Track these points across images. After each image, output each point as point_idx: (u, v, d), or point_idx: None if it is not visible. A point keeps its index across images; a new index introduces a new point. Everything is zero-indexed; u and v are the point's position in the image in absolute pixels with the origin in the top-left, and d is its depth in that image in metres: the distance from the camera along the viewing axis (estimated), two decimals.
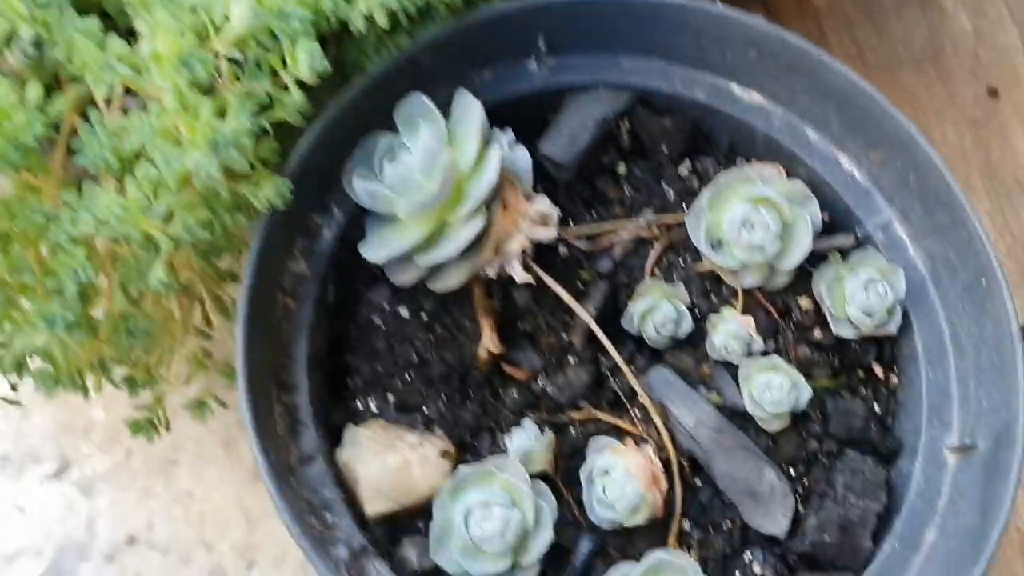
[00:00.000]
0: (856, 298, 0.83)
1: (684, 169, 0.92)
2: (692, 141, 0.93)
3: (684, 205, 0.91)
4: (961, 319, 0.83)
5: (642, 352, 0.86)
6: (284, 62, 0.73)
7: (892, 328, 0.84)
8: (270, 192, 0.73)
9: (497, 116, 0.88)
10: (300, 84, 0.74)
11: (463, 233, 0.76)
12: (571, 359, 0.85)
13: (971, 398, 0.81)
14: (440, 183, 0.74)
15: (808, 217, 0.84)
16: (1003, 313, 0.79)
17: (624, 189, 0.91)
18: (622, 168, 0.92)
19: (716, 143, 0.94)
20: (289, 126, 0.77)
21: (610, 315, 0.87)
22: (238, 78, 0.74)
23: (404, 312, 0.84)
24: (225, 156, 0.67)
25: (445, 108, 0.84)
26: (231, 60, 0.73)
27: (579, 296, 0.86)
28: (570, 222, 0.90)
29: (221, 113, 0.72)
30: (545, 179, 0.90)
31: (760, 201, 0.83)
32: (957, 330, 0.83)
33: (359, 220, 0.85)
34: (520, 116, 0.92)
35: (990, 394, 0.80)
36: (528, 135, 0.92)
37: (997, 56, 1.34)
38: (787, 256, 0.84)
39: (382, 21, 0.74)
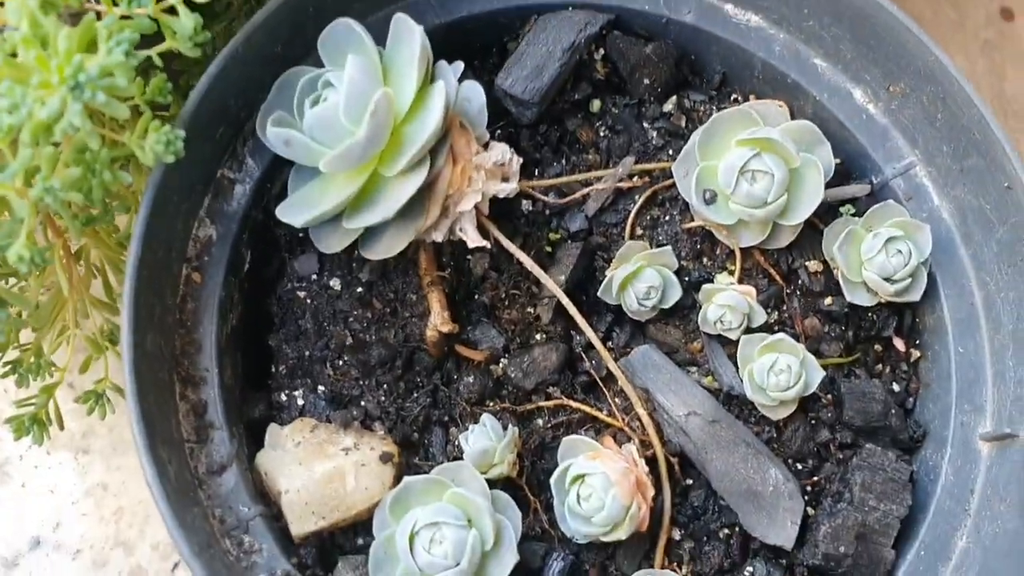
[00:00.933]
0: (874, 260, 0.70)
1: (669, 105, 0.78)
2: (678, 72, 0.78)
3: (670, 149, 0.77)
4: (997, 283, 0.70)
5: (622, 325, 0.73)
6: None
7: (915, 294, 0.71)
8: (158, 143, 0.58)
9: (446, 44, 0.73)
10: (192, 6, 0.59)
11: (402, 190, 0.61)
12: (538, 336, 0.72)
13: (1009, 377, 0.68)
14: (370, 128, 0.60)
15: (819, 164, 0.70)
16: None
17: (599, 130, 0.77)
18: (596, 105, 0.77)
19: (706, 75, 0.80)
20: (187, 60, 0.62)
21: (584, 282, 0.73)
22: (115, 3, 0.58)
23: (336, 284, 0.70)
24: (92, 99, 0.52)
25: (381, 36, 0.69)
26: None
27: (546, 261, 0.72)
28: (535, 172, 0.75)
29: (90, 45, 0.57)
30: (504, 119, 0.75)
31: (762, 144, 0.69)
32: (992, 296, 0.70)
33: (280, 172, 0.71)
34: (473, 43, 0.77)
35: None
36: (483, 66, 0.78)
37: None
38: (794, 210, 0.70)
39: None
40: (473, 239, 0.64)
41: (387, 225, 0.63)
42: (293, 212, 0.63)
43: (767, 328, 0.71)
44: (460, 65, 0.67)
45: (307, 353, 0.69)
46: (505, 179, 0.67)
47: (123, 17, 0.59)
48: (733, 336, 0.70)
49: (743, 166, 0.69)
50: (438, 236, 0.65)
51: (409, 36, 0.64)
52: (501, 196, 0.66)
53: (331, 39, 0.66)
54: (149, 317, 0.63)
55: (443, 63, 0.65)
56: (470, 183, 0.64)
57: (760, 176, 0.69)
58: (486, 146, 0.68)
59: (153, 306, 0.64)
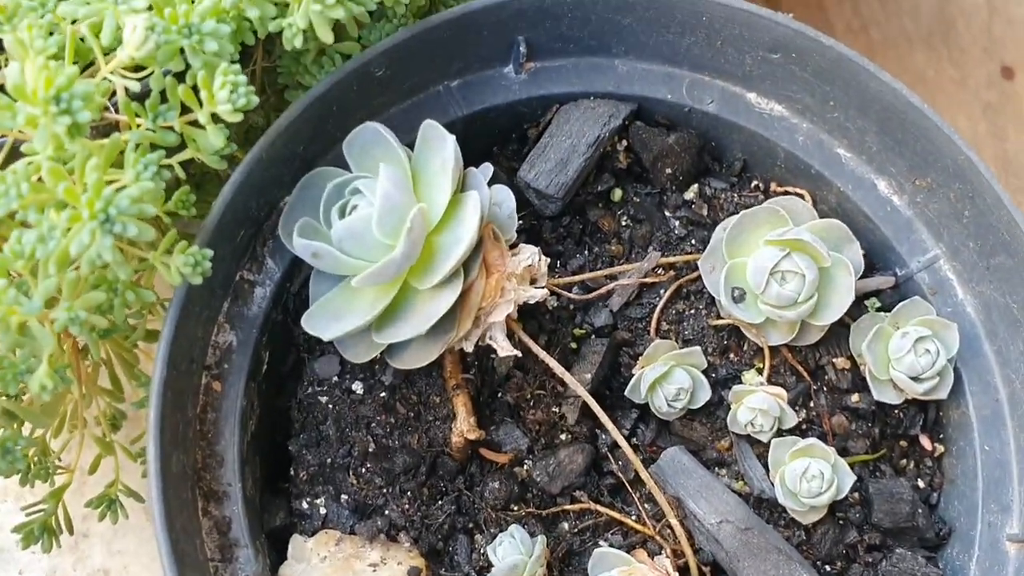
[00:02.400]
0: (903, 360, 0.69)
1: (691, 194, 0.77)
2: (699, 160, 0.77)
3: (693, 238, 0.76)
4: (1023, 381, 0.70)
5: (647, 421, 0.72)
6: (197, 92, 0.55)
7: (943, 393, 0.71)
8: (186, 265, 0.56)
9: (467, 134, 0.72)
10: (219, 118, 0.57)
11: (435, 306, 0.60)
12: (563, 436, 0.70)
13: None
14: (406, 245, 0.58)
15: (849, 264, 0.70)
16: None
17: (620, 220, 0.76)
18: (618, 194, 0.76)
19: (727, 161, 0.79)
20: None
21: (608, 378, 0.72)
22: (138, 115, 0.56)
23: (358, 388, 0.68)
24: (122, 231, 0.50)
25: (402, 131, 0.67)
26: (128, 92, 0.55)
27: (571, 358, 0.71)
28: (558, 263, 0.74)
29: (117, 162, 0.55)
30: (527, 210, 0.74)
31: (792, 245, 0.68)
32: (1018, 394, 0.70)
33: (299, 270, 0.69)
34: (495, 133, 0.76)
35: None
36: (503, 153, 0.77)
37: (1011, 30, 1.20)
38: (824, 310, 0.69)
39: (326, 36, 0.57)
40: (504, 348, 0.63)
41: (417, 338, 0.61)
42: (319, 325, 0.62)
43: (797, 428, 0.71)
44: (489, 169, 0.66)
45: (329, 460, 0.68)
46: (534, 280, 0.66)
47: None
48: (764, 439, 0.69)
49: (773, 267, 0.68)
50: (468, 346, 0.63)
51: (440, 144, 0.63)
52: (531, 302, 0.64)
53: (358, 143, 0.64)
54: (173, 436, 0.61)
55: (473, 171, 0.64)
56: (503, 294, 0.62)
57: (791, 276, 0.68)
58: (513, 246, 0.67)
59: (176, 423, 0.62)
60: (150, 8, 0.54)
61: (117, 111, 0.57)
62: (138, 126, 0.56)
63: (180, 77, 0.56)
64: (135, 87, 0.54)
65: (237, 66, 0.54)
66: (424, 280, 0.60)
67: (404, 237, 0.58)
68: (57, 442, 0.73)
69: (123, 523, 0.90)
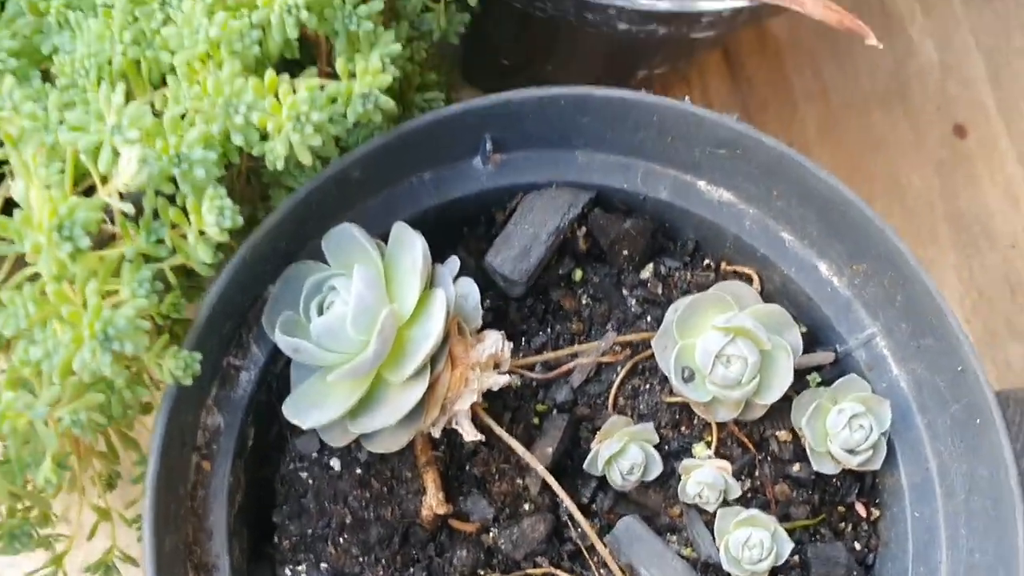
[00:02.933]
0: (839, 435, 0.75)
1: (646, 273, 0.83)
2: (654, 242, 0.83)
3: (648, 316, 0.81)
4: (951, 454, 0.76)
5: (606, 491, 0.78)
6: (187, 213, 0.61)
7: (876, 464, 0.77)
8: (176, 369, 0.62)
9: (439, 221, 0.78)
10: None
11: (404, 399, 0.66)
12: (526, 507, 0.76)
13: (962, 545, 0.74)
14: (378, 344, 0.64)
15: (788, 347, 0.76)
16: (999, 458, 0.72)
17: (581, 299, 0.82)
18: (578, 275, 0.82)
19: (680, 243, 0.85)
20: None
21: (569, 451, 0.78)
22: (132, 231, 0.62)
23: (336, 465, 0.74)
24: (120, 349, 0.56)
25: (377, 220, 0.73)
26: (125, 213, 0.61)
27: (534, 433, 0.77)
28: (523, 341, 0.80)
29: (114, 271, 0.61)
30: (493, 291, 0.80)
31: (736, 331, 0.74)
32: (946, 465, 0.76)
33: (282, 355, 0.74)
34: (465, 218, 0.82)
35: (983, 546, 0.73)
36: (472, 235, 0.82)
37: (964, 90, 1.27)
38: (766, 391, 0.75)
39: (306, 159, 0.63)
40: (469, 433, 0.69)
41: (389, 427, 0.67)
42: (298, 414, 0.67)
43: (742, 496, 0.77)
44: (455, 264, 0.71)
45: (309, 531, 0.73)
46: (497, 365, 0.71)
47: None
48: (710, 509, 0.75)
49: (719, 351, 0.74)
50: (436, 432, 0.69)
51: (411, 245, 0.68)
52: (495, 389, 0.70)
53: (335, 241, 0.70)
54: (166, 515, 0.66)
55: (441, 269, 0.70)
56: (467, 384, 0.68)
57: (735, 360, 0.74)
58: (480, 332, 0.72)
59: (169, 503, 0.67)
60: (143, 137, 0.60)
61: (113, 221, 0.63)
62: (132, 241, 0.62)
63: (171, 198, 0.62)
64: (130, 210, 0.59)
65: (223, 190, 0.60)
66: (395, 373, 0.66)
67: (376, 336, 0.64)
68: (57, 504, 0.79)
69: None
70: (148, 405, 0.73)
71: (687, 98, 0.77)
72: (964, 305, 1.18)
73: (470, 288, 0.71)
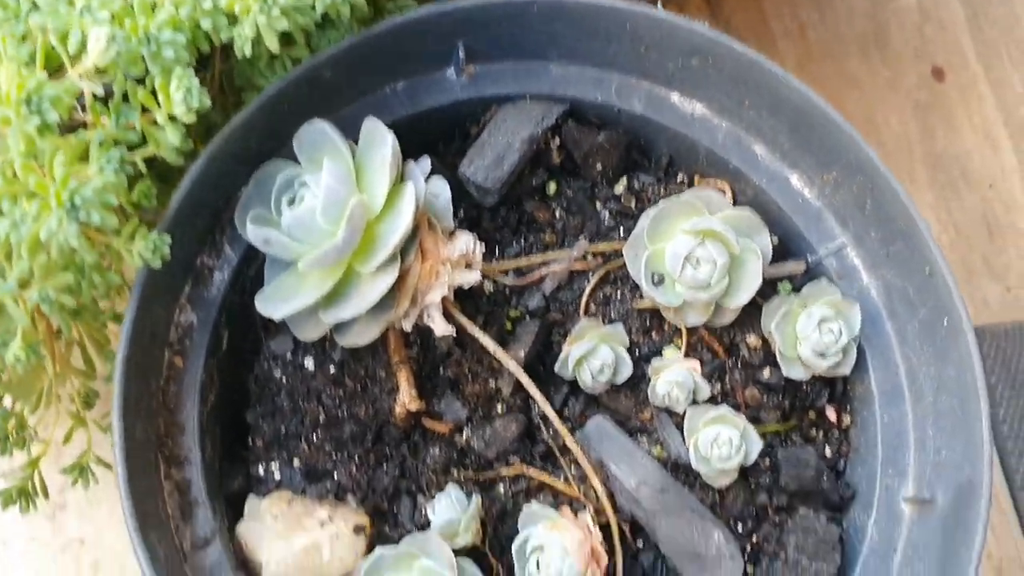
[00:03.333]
0: (809, 338, 0.76)
1: (620, 187, 0.83)
2: (628, 156, 0.84)
3: (621, 228, 0.82)
4: (919, 358, 0.77)
5: (577, 396, 0.79)
6: (156, 95, 0.62)
7: (846, 369, 0.78)
8: (146, 250, 0.62)
9: (413, 131, 0.78)
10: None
11: (374, 288, 0.66)
12: (499, 408, 0.77)
13: (929, 446, 0.75)
14: (347, 232, 0.65)
15: (758, 251, 0.76)
16: (966, 358, 0.73)
17: (555, 211, 0.82)
18: (552, 188, 0.83)
19: (654, 158, 0.85)
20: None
21: (542, 355, 0.78)
22: (102, 115, 0.62)
23: (309, 364, 0.75)
24: (87, 218, 0.56)
25: (352, 128, 0.74)
26: (94, 95, 0.62)
27: (507, 338, 0.78)
28: (496, 250, 0.81)
29: (83, 155, 0.61)
30: (467, 201, 0.81)
31: (706, 234, 0.75)
32: (914, 369, 0.77)
33: (256, 256, 0.75)
34: (439, 130, 0.82)
35: (950, 444, 0.73)
36: (447, 149, 0.83)
37: (942, 33, 1.27)
38: (735, 294, 0.76)
39: (272, 45, 0.63)
40: (440, 328, 0.69)
41: (360, 318, 0.68)
42: (271, 305, 0.68)
43: (712, 399, 0.77)
44: (427, 163, 0.72)
45: (283, 429, 0.74)
46: (469, 266, 0.72)
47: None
48: (680, 409, 0.76)
49: (688, 253, 0.75)
50: (407, 325, 0.70)
51: (381, 141, 0.69)
52: (467, 286, 0.71)
53: (306, 139, 0.70)
54: (137, 405, 0.67)
55: (412, 164, 0.70)
56: (438, 277, 0.69)
57: (704, 262, 0.75)
58: (452, 233, 0.73)
59: (140, 394, 0.68)
60: (113, 19, 0.60)
61: (85, 110, 0.64)
62: (103, 125, 0.62)
63: (141, 81, 0.62)
64: (100, 91, 0.60)
65: (191, 71, 0.61)
66: (366, 264, 0.67)
67: (345, 225, 0.64)
68: (34, 420, 0.80)
69: (97, 495, 0.97)
70: (121, 316, 0.74)
71: (659, 3, 0.78)
72: (941, 244, 1.18)
73: (441, 187, 0.72)
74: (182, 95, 0.59)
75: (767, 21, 1.23)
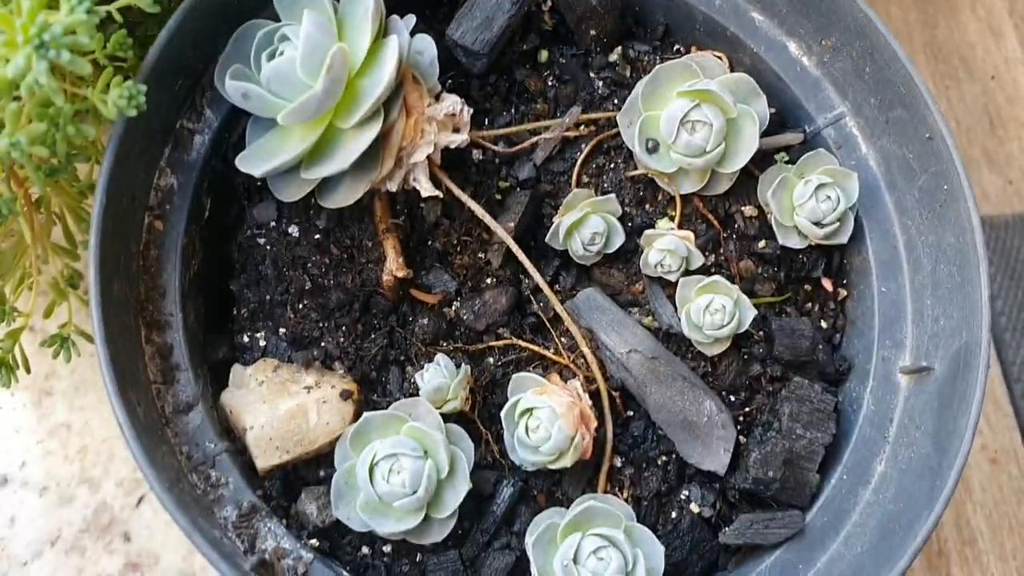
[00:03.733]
0: (805, 206, 0.74)
1: (615, 56, 0.81)
2: (623, 24, 0.81)
3: (615, 98, 0.80)
4: (918, 227, 0.75)
5: (568, 269, 0.77)
6: None
7: (843, 237, 0.76)
8: (120, 98, 0.60)
9: None
10: None
11: (357, 143, 0.64)
12: (488, 280, 0.75)
13: (927, 315, 0.74)
14: (326, 82, 0.62)
15: (755, 115, 0.74)
16: (966, 222, 0.71)
17: (547, 80, 0.80)
18: (544, 55, 0.80)
19: (650, 26, 0.83)
20: (145, 12, 0.64)
21: (532, 228, 0.77)
22: None
23: (294, 231, 0.73)
24: (56, 57, 0.54)
25: None
26: None
27: (496, 209, 0.76)
28: (486, 120, 0.78)
29: (52, 2, 0.58)
30: (456, 70, 0.78)
31: (701, 96, 0.73)
32: (913, 239, 0.75)
33: (237, 122, 0.73)
34: None
35: (948, 312, 0.72)
36: (435, 16, 0.80)
37: None
38: (731, 159, 0.74)
39: None
40: (426, 189, 0.67)
41: (343, 176, 0.66)
42: (252, 162, 0.66)
43: (704, 270, 0.76)
44: (412, 19, 0.69)
45: (268, 297, 0.72)
46: (456, 130, 0.70)
47: None
48: (672, 278, 0.74)
49: (683, 117, 0.72)
50: (392, 186, 0.68)
51: None
52: (452, 147, 0.69)
53: None
54: (115, 265, 0.65)
55: (395, 18, 0.68)
56: (423, 135, 0.66)
57: (699, 126, 0.72)
58: (438, 97, 0.71)
59: (118, 254, 0.66)
60: None
61: None
62: None
63: None
64: None
65: None
66: (347, 119, 0.64)
67: (324, 75, 0.62)
68: (17, 301, 0.78)
69: (84, 381, 0.96)
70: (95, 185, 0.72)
71: None
72: None
73: (426, 44, 0.69)
74: None
75: None
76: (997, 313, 1.10)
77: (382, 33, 0.67)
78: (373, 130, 0.64)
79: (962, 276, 0.71)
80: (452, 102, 0.70)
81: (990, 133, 1.18)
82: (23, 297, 0.78)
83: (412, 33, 0.69)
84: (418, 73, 0.68)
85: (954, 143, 0.71)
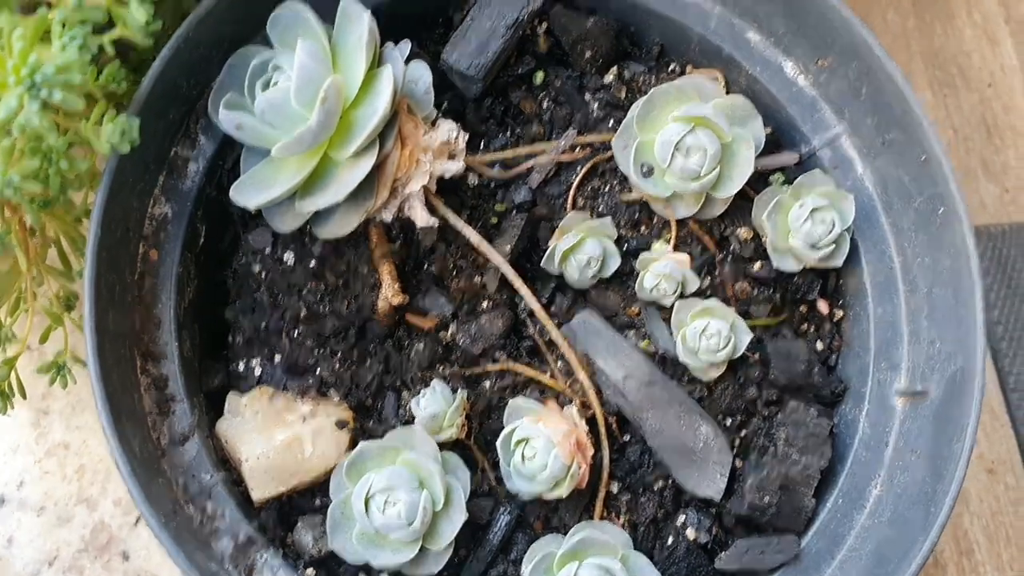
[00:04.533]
0: (800, 229, 0.74)
1: (610, 77, 0.81)
2: (618, 45, 0.81)
3: (611, 120, 0.80)
4: (914, 249, 0.75)
5: (564, 290, 0.77)
6: None
7: (839, 260, 0.76)
8: (114, 135, 0.60)
9: (393, 17, 0.75)
10: None
11: (351, 175, 0.64)
12: (484, 304, 0.75)
13: (923, 338, 0.74)
14: (321, 115, 0.62)
15: (750, 138, 0.74)
16: (961, 246, 0.71)
17: (542, 102, 0.80)
18: (539, 77, 0.80)
19: (645, 46, 0.82)
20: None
21: (528, 251, 0.76)
22: None
23: (289, 258, 0.72)
24: (49, 97, 0.54)
25: (330, 12, 0.71)
26: None
27: (492, 232, 0.76)
28: (481, 143, 0.78)
29: (45, 36, 0.58)
30: (451, 93, 0.78)
31: (696, 121, 0.73)
32: (909, 261, 0.75)
33: (232, 148, 0.73)
34: (420, 14, 0.79)
35: (943, 335, 0.72)
36: (430, 37, 0.80)
37: None
38: (726, 184, 0.74)
39: None
40: (422, 219, 0.67)
41: (338, 206, 0.66)
42: (246, 194, 0.66)
43: (700, 293, 0.76)
44: (407, 46, 0.69)
45: (263, 324, 0.72)
46: (452, 157, 0.70)
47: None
48: (668, 302, 0.74)
49: (678, 141, 0.72)
50: (387, 216, 0.67)
51: (357, 20, 0.66)
52: (448, 176, 0.68)
53: (280, 21, 0.67)
54: (110, 296, 0.65)
55: (390, 46, 0.67)
56: (418, 165, 0.66)
57: (694, 151, 0.72)
58: (434, 123, 0.70)
59: (113, 285, 0.66)
60: None
61: None
62: (65, 4, 0.59)
63: None
64: None
65: None
66: (342, 151, 0.64)
67: (319, 107, 0.62)
68: (13, 324, 0.78)
69: (81, 401, 0.96)
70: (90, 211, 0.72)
71: None
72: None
73: (421, 71, 0.69)
74: None
75: None
76: (993, 322, 1.10)
77: (376, 62, 0.67)
78: (368, 162, 0.64)
79: (957, 300, 0.71)
80: (448, 129, 0.69)
81: (987, 142, 1.18)
82: (20, 318, 0.78)
83: (408, 59, 0.69)
84: (413, 102, 0.68)
85: (951, 168, 0.71)
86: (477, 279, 0.75)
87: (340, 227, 0.67)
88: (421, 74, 0.69)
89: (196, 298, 0.72)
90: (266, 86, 0.66)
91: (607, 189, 0.78)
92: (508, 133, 0.79)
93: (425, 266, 0.75)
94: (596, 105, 0.80)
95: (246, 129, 0.64)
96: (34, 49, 0.55)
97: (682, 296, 0.75)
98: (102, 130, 0.60)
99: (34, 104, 0.54)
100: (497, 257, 0.72)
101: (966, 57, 1.20)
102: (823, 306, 0.78)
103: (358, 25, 0.66)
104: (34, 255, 0.75)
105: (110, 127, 0.60)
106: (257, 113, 0.65)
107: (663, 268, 0.73)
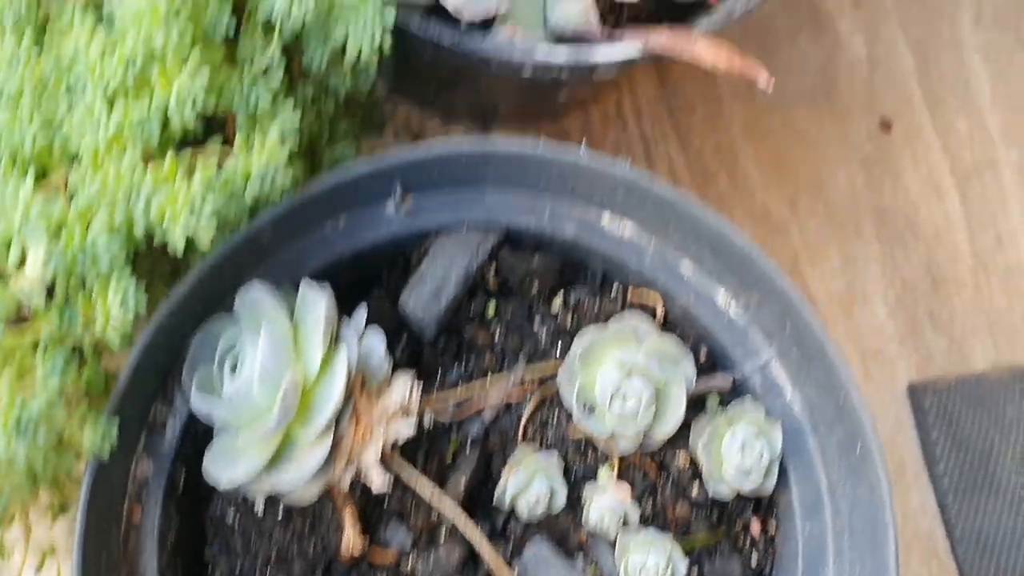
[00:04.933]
0: (733, 460, 0.81)
1: (557, 304, 0.87)
2: (562, 276, 0.88)
3: (559, 345, 0.86)
4: (838, 473, 0.81)
5: (518, 519, 0.83)
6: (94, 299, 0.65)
7: (768, 488, 0.82)
8: (94, 443, 0.67)
9: (357, 264, 0.83)
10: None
11: (311, 457, 0.71)
12: (443, 534, 0.82)
13: (845, 559, 0.80)
14: (280, 410, 0.69)
15: (682, 380, 0.81)
16: (876, 482, 0.77)
17: (494, 333, 0.86)
18: (491, 310, 0.86)
19: (589, 273, 0.89)
20: None
21: (484, 481, 0.83)
22: (47, 312, 0.66)
23: (259, 507, 0.79)
24: (33, 439, 0.61)
25: (295, 267, 0.78)
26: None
27: (448, 468, 0.82)
28: (438, 377, 0.85)
29: (31, 351, 0.65)
30: (409, 332, 0.85)
31: (632, 369, 0.79)
32: (834, 484, 0.81)
33: None
34: (381, 261, 0.86)
35: (863, 561, 0.79)
36: (391, 279, 0.87)
37: (892, 83, 1.30)
38: (660, 425, 0.81)
39: (204, 245, 0.67)
40: (377, 484, 0.74)
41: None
42: (216, 472, 0.72)
43: (644, 519, 0.82)
44: (362, 317, 0.76)
45: (238, 565, 0.79)
46: (405, 416, 0.76)
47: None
48: (612, 535, 0.81)
49: (615, 388, 0.79)
50: (344, 483, 0.74)
51: (315, 304, 0.73)
52: (400, 441, 0.75)
53: (247, 302, 0.74)
54: (96, 566, 0.72)
55: (346, 325, 0.74)
56: (372, 438, 0.73)
57: (630, 396, 0.79)
58: (389, 381, 0.77)
59: (99, 551, 0.73)
60: (51, 229, 0.64)
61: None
62: (48, 322, 0.66)
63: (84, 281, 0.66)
64: (41, 301, 0.64)
65: (127, 275, 0.64)
66: (302, 432, 0.71)
67: (279, 403, 0.68)
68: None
69: None
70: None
71: (583, 145, 0.81)
72: (888, 298, 1.23)
73: (376, 342, 0.76)
74: (119, 308, 0.63)
75: (714, 79, 1.25)
76: (940, 476, 1.16)
77: (334, 340, 0.73)
78: (326, 443, 0.71)
79: (873, 531, 0.78)
80: (401, 391, 0.76)
81: (933, 293, 1.24)
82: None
83: (368, 315, 0.76)
84: (367, 372, 0.75)
85: (870, 418, 0.77)
86: (434, 515, 0.81)
87: (302, 496, 0.73)
88: (376, 345, 0.75)
89: (178, 540, 0.79)
90: (234, 368, 0.73)
91: (555, 420, 0.84)
92: (463, 366, 0.85)
93: (386, 502, 0.81)
94: (544, 333, 0.86)
95: (216, 416, 0.71)
96: (19, 386, 0.62)
97: (625, 523, 0.81)
98: (84, 433, 0.67)
99: (21, 445, 0.60)
100: (448, 506, 0.78)
101: (914, 210, 1.26)
102: (755, 526, 0.85)
103: (315, 310, 0.73)
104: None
105: (90, 432, 0.67)
106: (225, 400, 0.71)
107: (605, 503, 0.80)
